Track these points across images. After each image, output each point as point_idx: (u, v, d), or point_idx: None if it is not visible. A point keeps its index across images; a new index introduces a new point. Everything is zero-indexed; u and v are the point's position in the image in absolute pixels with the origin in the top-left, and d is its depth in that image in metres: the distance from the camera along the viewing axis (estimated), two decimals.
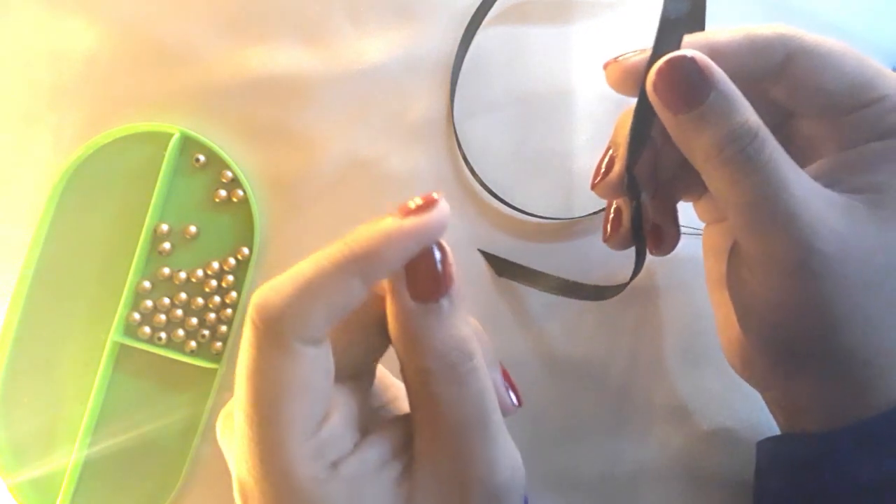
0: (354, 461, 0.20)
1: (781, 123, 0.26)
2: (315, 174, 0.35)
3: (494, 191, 0.35)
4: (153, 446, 0.33)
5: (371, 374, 0.23)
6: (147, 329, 0.33)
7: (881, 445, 0.24)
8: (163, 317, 0.33)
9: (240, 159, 0.34)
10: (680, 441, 0.34)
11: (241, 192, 0.34)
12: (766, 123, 0.24)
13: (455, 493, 0.20)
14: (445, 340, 0.20)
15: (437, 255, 0.20)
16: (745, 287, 0.25)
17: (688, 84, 0.22)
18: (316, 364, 0.19)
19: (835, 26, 0.38)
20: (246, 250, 0.34)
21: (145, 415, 0.33)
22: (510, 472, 0.20)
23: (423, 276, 0.20)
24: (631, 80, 0.25)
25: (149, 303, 0.33)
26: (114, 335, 0.33)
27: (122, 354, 0.33)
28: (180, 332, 0.33)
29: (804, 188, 0.22)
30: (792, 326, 0.24)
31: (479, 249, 0.31)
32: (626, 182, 0.25)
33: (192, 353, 0.33)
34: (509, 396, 0.23)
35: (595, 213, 0.35)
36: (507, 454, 0.21)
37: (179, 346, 0.34)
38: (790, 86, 0.24)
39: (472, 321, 0.22)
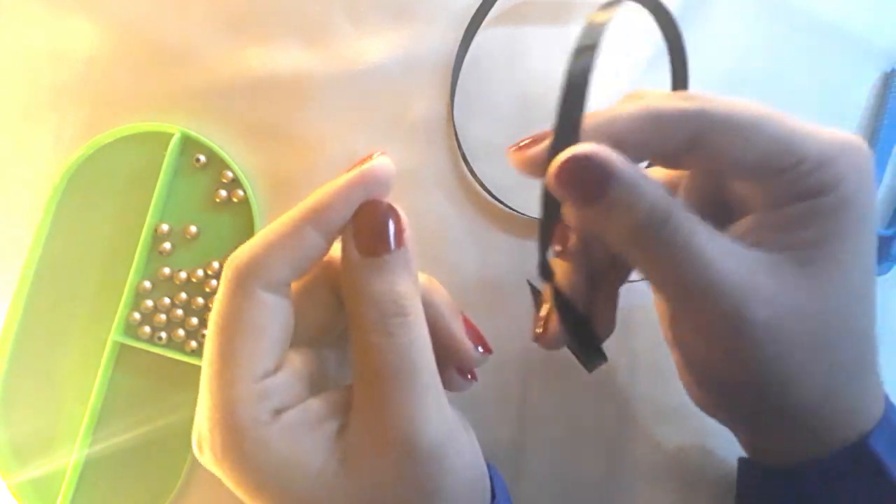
0: (297, 411, 0.21)
1: (708, 179, 0.26)
2: (315, 174, 0.35)
3: (493, 191, 0.35)
4: (153, 446, 0.33)
5: (334, 347, 0.25)
6: (147, 329, 0.33)
7: (838, 480, 0.25)
8: (163, 317, 0.33)
9: (240, 159, 0.34)
10: (679, 441, 0.34)
11: (241, 192, 0.34)
12: (696, 182, 0.25)
13: (383, 449, 0.21)
14: (382, 292, 0.21)
15: (388, 216, 0.22)
16: (686, 348, 0.26)
17: (587, 180, 0.21)
18: (274, 311, 0.21)
19: (835, 26, 0.38)
20: None
21: (145, 415, 0.33)
22: (442, 436, 0.21)
23: (367, 230, 0.21)
24: (533, 167, 0.24)
25: (149, 303, 0.33)
26: (114, 335, 0.33)
27: (123, 354, 0.33)
28: (180, 332, 0.33)
29: (727, 258, 0.22)
30: (734, 388, 0.25)
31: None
32: (540, 269, 0.24)
33: (193, 352, 0.33)
34: (476, 348, 0.24)
35: None
36: (441, 416, 0.21)
37: (180, 346, 0.34)
38: (702, 159, 0.23)
39: (424, 281, 0.23)
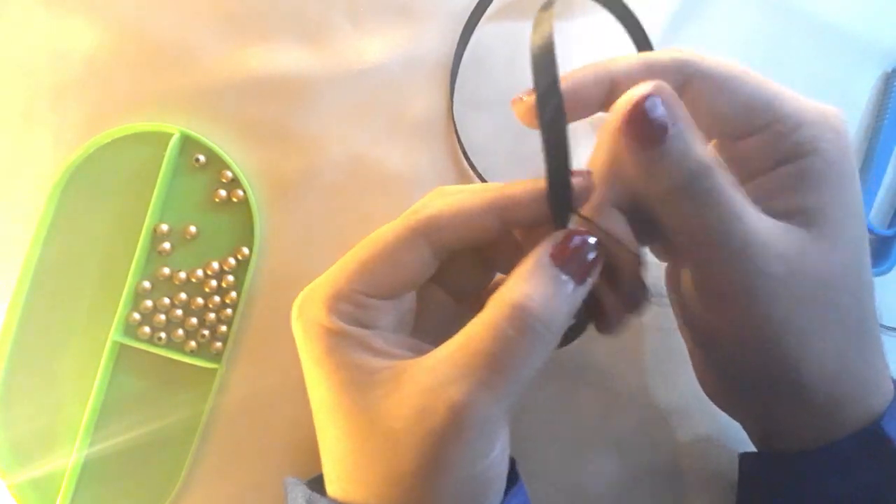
0: (378, 331, 0.24)
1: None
2: (315, 174, 0.35)
3: None
4: (153, 446, 0.33)
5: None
6: (147, 329, 0.33)
7: (852, 463, 0.25)
8: (163, 317, 0.33)
9: (240, 159, 0.34)
10: (680, 441, 0.34)
11: (241, 192, 0.34)
12: None
13: (433, 400, 0.21)
14: (543, 294, 0.22)
15: (592, 256, 0.23)
16: (703, 323, 0.26)
17: (652, 122, 0.22)
18: (424, 266, 0.24)
19: (835, 26, 0.38)
20: (246, 250, 0.34)
21: (145, 415, 0.33)
22: (487, 424, 0.22)
23: (571, 250, 0.23)
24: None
25: (149, 303, 0.33)
26: (114, 335, 0.33)
27: (122, 354, 0.33)
28: (180, 332, 0.33)
29: (753, 218, 0.23)
30: (751, 362, 0.25)
31: None
32: (550, 203, 0.24)
33: (192, 353, 0.33)
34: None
35: None
36: (497, 408, 0.22)
37: (179, 346, 0.34)
38: (688, 108, 0.24)
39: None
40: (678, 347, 0.35)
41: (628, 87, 0.23)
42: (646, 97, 0.22)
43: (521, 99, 0.25)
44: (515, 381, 0.22)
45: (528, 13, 0.36)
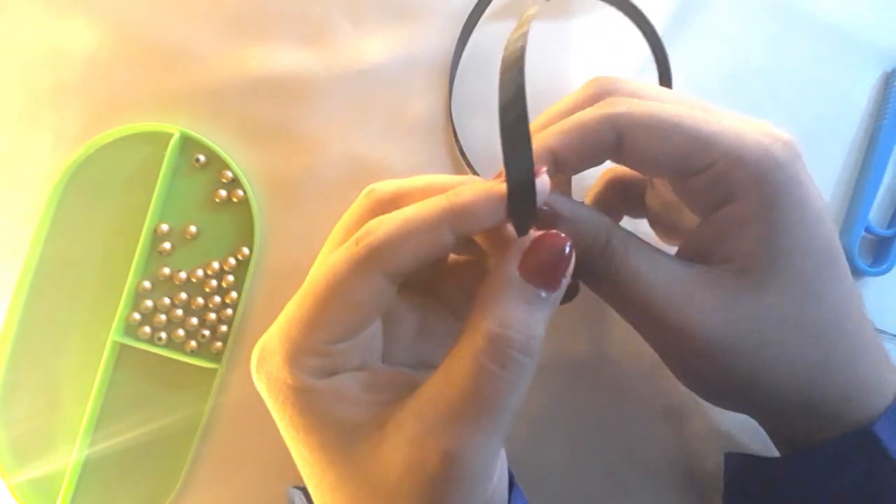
0: (350, 375, 0.22)
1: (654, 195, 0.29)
2: (315, 174, 0.35)
3: None
4: (153, 446, 0.33)
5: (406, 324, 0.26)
6: (147, 329, 0.33)
7: (840, 464, 0.25)
8: (163, 317, 0.33)
9: (240, 159, 0.34)
10: (679, 441, 0.34)
11: (241, 192, 0.34)
12: (655, 198, 0.27)
13: (422, 452, 0.20)
14: (519, 320, 0.21)
15: (568, 258, 0.22)
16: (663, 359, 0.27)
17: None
18: (380, 296, 0.22)
19: (835, 26, 0.38)
20: (246, 250, 0.34)
21: (145, 415, 0.33)
22: (479, 474, 0.21)
23: (543, 261, 0.21)
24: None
25: (149, 303, 0.33)
26: (114, 335, 0.33)
27: (122, 354, 0.33)
28: (180, 332, 0.33)
29: (666, 278, 0.24)
30: (710, 391, 0.26)
31: None
32: (510, 208, 0.23)
33: (193, 353, 0.33)
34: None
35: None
36: (491, 456, 0.21)
37: (179, 346, 0.34)
38: (629, 159, 0.25)
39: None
40: None
41: (570, 158, 0.24)
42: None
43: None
44: (505, 414, 0.21)
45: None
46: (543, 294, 0.21)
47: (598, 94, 0.26)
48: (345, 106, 0.35)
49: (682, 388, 0.32)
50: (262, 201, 0.34)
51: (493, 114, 0.35)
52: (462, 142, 0.35)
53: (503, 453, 0.23)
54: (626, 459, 0.34)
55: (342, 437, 0.21)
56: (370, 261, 0.21)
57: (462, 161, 0.35)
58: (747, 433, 0.34)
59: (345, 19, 0.35)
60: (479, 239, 0.24)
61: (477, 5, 0.35)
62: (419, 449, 0.20)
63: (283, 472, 0.34)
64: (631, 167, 0.26)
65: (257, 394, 0.34)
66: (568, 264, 0.22)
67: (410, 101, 0.35)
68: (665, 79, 0.35)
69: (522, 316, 0.21)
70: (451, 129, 0.35)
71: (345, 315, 0.22)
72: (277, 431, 0.34)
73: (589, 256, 0.24)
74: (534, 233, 0.22)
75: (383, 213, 0.22)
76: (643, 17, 0.34)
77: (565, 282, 0.22)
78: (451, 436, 0.20)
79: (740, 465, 0.30)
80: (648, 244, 0.24)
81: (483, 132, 0.35)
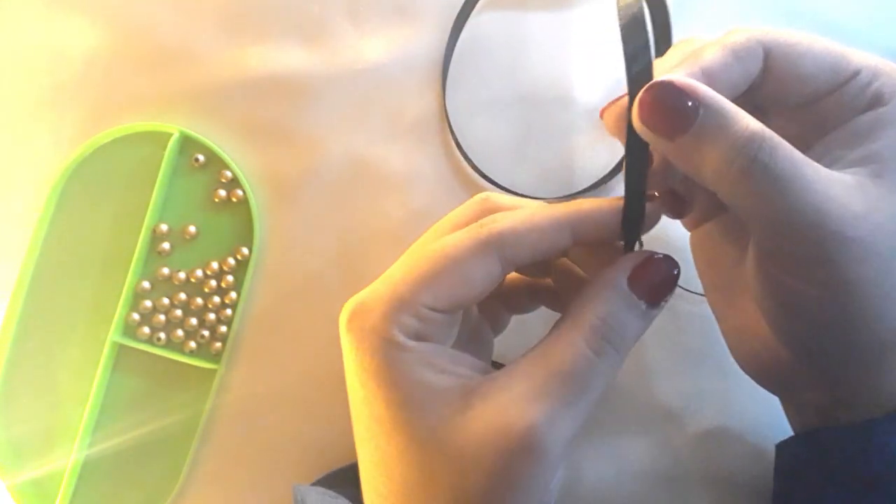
0: (438, 346, 0.23)
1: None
2: (315, 174, 0.34)
3: (503, 185, 0.34)
4: (153, 446, 0.33)
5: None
6: (146, 329, 0.33)
7: None
8: (162, 317, 0.33)
9: (239, 159, 0.34)
10: (680, 441, 0.34)
11: (240, 192, 0.34)
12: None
13: (509, 428, 0.21)
14: (618, 319, 0.22)
15: (673, 272, 0.23)
16: (782, 290, 0.24)
17: (673, 107, 0.22)
18: (491, 278, 0.23)
19: (835, 26, 0.38)
20: (245, 250, 0.34)
21: (145, 415, 0.33)
22: (560, 453, 0.21)
23: (651, 275, 0.23)
24: (621, 121, 0.25)
25: (148, 303, 0.33)
26: (113, 335, 0.33)
27: (122, 354, 0.33)
28: (180, 333, 0.33)
29: (822, 181, 0.22)
30: (837, 318, 0.24)
31: None
32: (624, 223, 0.24)
33: (192, 353, 0.33)
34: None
35: (592, 186, 0.35)
36: (571, 439, 0.22)
37: (179, 347, 0.34)
38: (775, 82, 0.25)
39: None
40: (678, 347, 0.35)
41: (721, 79, 0.23)
42: (655, 84, 0.22)
43: (610, 107, 0.25)
44: (590, 399, 0.22)
45: (530, 4, 0.36)
46: (644, 307, 0.23)
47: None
48: (345, 106, 0.35)
49: (686, 389, 0.32)
50: (262, 201, 0.34)
51: (494, 111, 0.35)
52: (464, 139, 0.35)
53: (562, 470, 0.23)
54: (627, 460, 0.34)
55: (425, 398, 0.22)
56: (492, 243, 0.22)
57: (462, 160, 0.35)
58: (751, 432, 0.34)
59: (344, 19, 0.35)
60: (581, 256, 0.26)
61: (467, 2, 0.35)
62: (504, 416, 0.21)
63: (282, 472, 0.34)
64: (773, 92, 0.25)
65: (257, 394, 0.34)
66: (674, 285, 0.23)
67: (410, 100, 0.35)
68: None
69: (622, 316, 0.22)
70: (450, 127, 0.35)
71: (456, 286, 0.22)
72: (277, 431, 0.34)
73: (740, 152, 0.22)
74: (646, 251, 0.23)
75: None
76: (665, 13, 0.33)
77: (664, 304, 0.23)
78: (541, 407, 0.21)
79: (806, 445, 0.28)
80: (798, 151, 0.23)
81: (485, 129, 0.35)
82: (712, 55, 0.24)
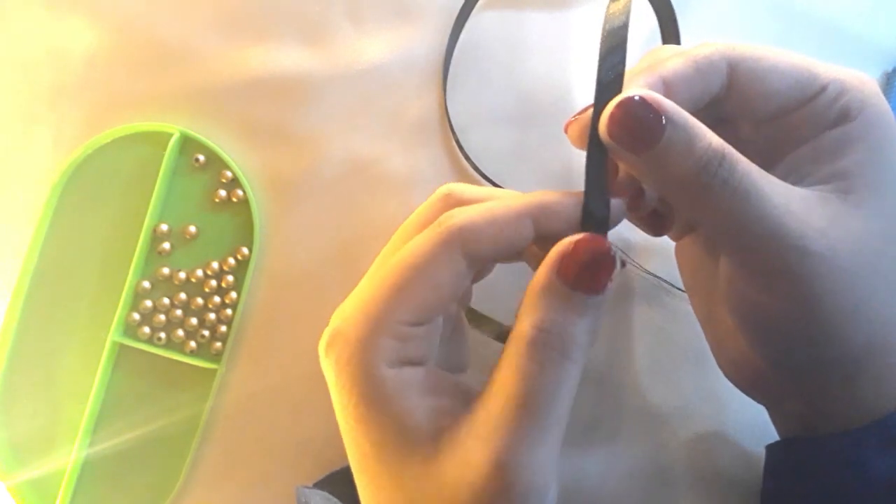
0: (417, 371, 0.22)
1: (733, 139, 0.27)
2: (315, 174, 0.34)
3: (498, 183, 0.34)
4: (153, 446, 0.33)
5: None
6: (147, 329, 0.33)
7: None
8: (162, 317, 0.33)
9: (240, 159, 0.34)
10: (677, 442, 0.34)
11: (240, 192, 0.34)
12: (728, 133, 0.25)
13: (478, 462, 0.20)
14: (554, 322, 0.21)
15: (611, 262, 0.21)
16: (748, 302, 0.25)
17: (641, 123, 0.22)
18: (459, 278, 0.22)
19: (835, 26, 0.38)
20: (246, 250, 0.34)
21: (145, 415, 0.33)
22: (538, 484, 0.20)
23: (582, 264, 0.21)
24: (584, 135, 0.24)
25: (148, 303, 0.33)
26: (113, 335, 0.33)
27: (122, 354, 0.33)
28: (180, 332, 0.33)
29: (781, 195, 0.22)
30: (804, 333, 0.24)
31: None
32: (583, 217, 0.24)
33: (192, 353, 0.33)
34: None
35: None
36: (547, 463, 0.21)
37: (179, 346, 0.34)
38: (739, 97, 0.24)
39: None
40: (677, 347, 0.35)
41: (681, 90, 0.23)
42: (627, 100, 0.22)
43: (573, 120, 0.25)
44: (549, 418, 0.21)
45: (530, 3, 0.36)
46: (584, 297, 0.21)
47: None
48: (345, 106, 0.35)
49: (686, 389, 0.32)
50: (262, 201, 0.34)
51: (495, 111, 0.35)
52: (465, 140, 0.35)
53: (556, 489, 0.22)
54: (627, 460, 0.34)
55: (398, 437, 0.21)
56: (454, 240, 0.22)
57: (463, 160, 0.35)
58: (750, 432, 0.34)
59: (344, 19, 0.35)
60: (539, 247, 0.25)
61: (467, 1, 0.35)
62: (472, 461, 0.20)
63: (282, 472, 0.34)
64: (737, 107, 0.25)
65: (257, 394, 0.34)
66: (610, 264, 0.21)
67: (411, 100, 0.35)
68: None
69: (558, 318, 0.21)
70: (449, 127, 0.35)
71: (427, 294, 0.22)
72: (277, 431, 0.34)
73: (703, 168, 0.22)
74: (574, 237, 0.22)
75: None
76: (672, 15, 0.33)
77: (611, 286, 0.21)
78: (499, 443, 0.20)
79: (789, 451, 0.28)
80: (761, 169, 0.24)
81: (484, 129, 0.35)
82: (674, 66, 0.24)
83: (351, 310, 0.22)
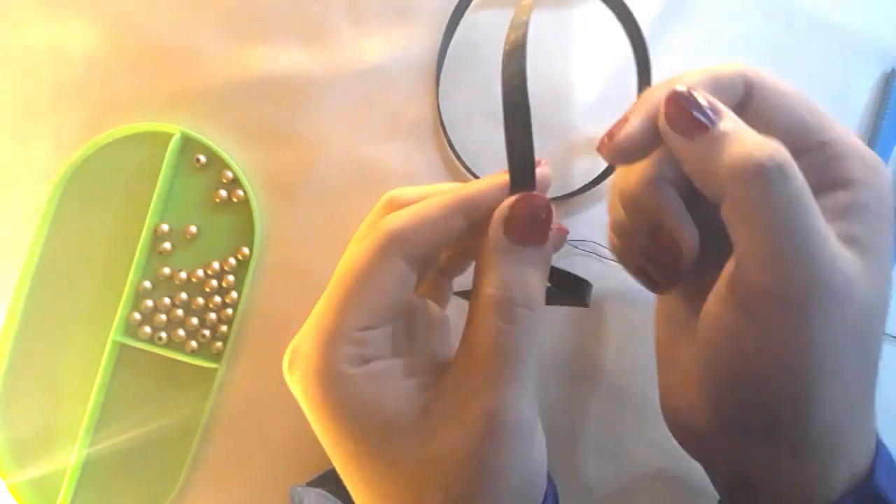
0: (385, 362, 0.23)
1: None
2: (315, 174, 0.35)
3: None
4: (153, 446, 0.33)
5: (426, 315, 0.26)
6: (147, 329, 0.33)
7: None
8: (163, 317, 0.33)
9: (240, 159, 0.34)
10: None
11: (241, 192, 0.34)
12: None
13: (468, 418, 0.21)
14: (514, 278, 0.22)
15: (545, 211, 0.22)
16: (731, 335, 0.23)
17: (699, 110, 0.23)
18: (401, 279, 0.23)
19: (834, 26, 0.38)
20: (246, 250, 0.34)
21: (145, 415, 0.33)
22: (526, 421, 0.21)
23: (522, 218, 0.22)
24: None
25: (149, 303, 0.33)
26: (114, 335, 0.33)
27: (123, 354, 0.33)
28: (181, 332, 0.33)
29: (825, 225, 0.22)
30: (763, 387, 0.23)
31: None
32: (511, 182, 0.24)
33: (193, 352, 0.33)
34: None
35: (589, 183, 0.35)
36: (530, 406, 0.22)
37: (180, 346, 0.34)
38: (748, 121, 0.24)
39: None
40: None
41: None
42: (682, 93, 0.23)
43: (605, 141, 0.25)
44: (527, 365, 0.22)
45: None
46: (531, 251, 0.22)
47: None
48: (345, 106, 0.35)
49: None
50: (262, 201, 0.34)
51: (492, 110, 0.35)
52: (458, 138, 0.35)
53: (541, 432, 0.23)
54: (628, 461, 0.34)
55: (384, 426, 0.22)
56: (389, 246, 0.23)
57: (455, 160, 0.35)
58: None
59: (345, 19, 0.35)
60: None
61: (460, 2, 0.35)
62: (459, 420, 0.21)
63: (282, 472, 0.34)
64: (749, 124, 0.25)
65: (257, 394, 0.34)
66: (549, 217, 0.23)
67: (410, 100, 0.35)
68: (644, 75, 0.35)
69: (516, 275, 0.22)
70: (448, 127, 0.35)
71: (373, 299, 0.23)
72: (278, 431, 0.34)
73: (761, 152, 0.21)
74: (510, 199, 0.23)
75: None
76: (631, 17, 0.34)
77: (552, 235, 0.23)
78: (488, 395, 0.21)
79: None
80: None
81: (478, 128, 0.35)
82: (693, 78, 0.24)
83: (306, 328, 0.23)
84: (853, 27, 0.38)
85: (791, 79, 0.37)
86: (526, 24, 0.23)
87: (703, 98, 0.23)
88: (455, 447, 0.21)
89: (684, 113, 0.23)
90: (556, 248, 0.25)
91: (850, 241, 0.23)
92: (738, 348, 0.23)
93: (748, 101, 0.24)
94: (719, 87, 0.24)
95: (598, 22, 0.36)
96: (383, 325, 0.23)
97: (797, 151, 0.23)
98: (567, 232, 0.27)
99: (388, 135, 0.35)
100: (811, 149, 0.24)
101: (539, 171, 0.23)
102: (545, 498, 0.24)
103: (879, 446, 0.25)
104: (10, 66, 0.34)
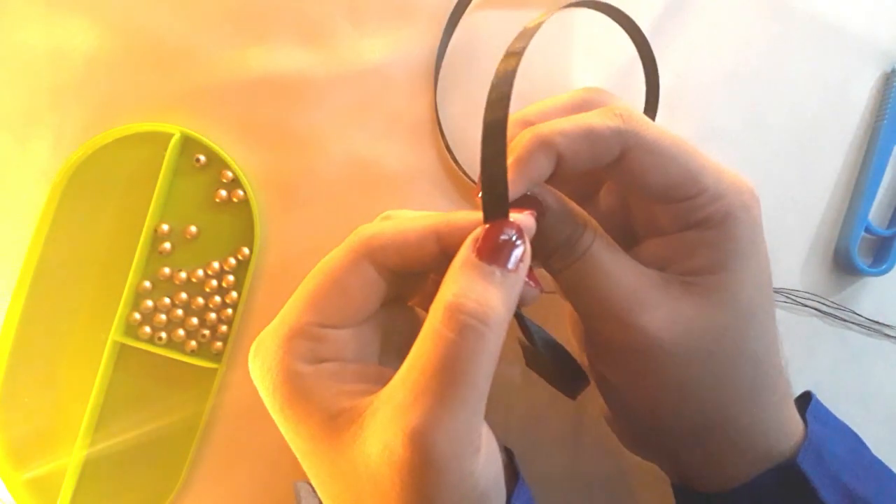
0: (336, 364, 0.23)
1: (617, 201, 0.30)
2: (315, 174, 0.35)
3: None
4: (153, 446, 0.33)
5: (386, 325, 0.26)
6: (147, 329, 0.33)
7: (773, 501, 0.27)
8: (163, 317, 0.33)
9: (240, 159, 0.34)
10: None
11: (241, 193, 0.34)
12: (612, 195, 0.29)
13: (392, 434, 0.20)
14: (471, 291, 0.21)
15: (520, 241, 0.23)
16: (598, 373, 0.28)
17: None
18: (368, 285, 0.23)
19: (834, 26, 0.38)
20: (246, 250, 0.34)
21: (145, 415, 0.33)
22: (452, 454, 0.20)
23: (494, 242, 0.22)
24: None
25: (149, 303, 0.33)
26: (114, 335, 0.33)
27: (123, 354, 0.33)
28: (181, 332, 0.33)
29: (623, 271, 0.25)
30: (641, 405, 0.27)
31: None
32: (484, 210, 0.24)
33: (193, 352, 0.33)
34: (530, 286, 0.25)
35: None
36: (465, 433, 0.20)
37: (180, 346, 0.34)
38: (622, 177, 0.26)
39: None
40: None
41: (568, 150, 0.24)
42: (492, 227, 0.23)
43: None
44: (468, 386, 0.20)
45: (520, 3, 0.36)
46: (498, 273, 0.22)
47: (589, 103, 0.27)
48: (345, 106, 0.35)
49: None
50: (262, 201, 0.34)
51: (483, 110, 0.35)
52: (457, 139, 0.35)
53: (490, 439, 0.22)
54: (629, 461, 0.34)
55: (327, 427, 0.22)
56: (360, 250, 0.23)
57: (451, 161, 0.35)
58: None
59: (344, 19, 0.35)
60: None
61: (459, 3, 0.35)
62: (387, 433, 0.20)
63: (283, 472, 0.34)
64: (619, 183, 0.27)
65: (257, 394, 0.34)
66: (522, 241, 0.22)
67: (410, 100, 0.35)
68: (652, 88, 0.35)
69: (476, 285, 0.21)
70: (444, 128, 0.35)
71: (335, 298, 0.23)
72: (277, 431, 0.34)
73: (562, 244, 0.25)
74: (486, 225, 0.23)
75: None
76: (634, 24, 0.33)
77: (522, 266, 0.22)
78: (413, 414, 0.20)
79: (688, 499, 0.31)
80: (616, 245, 0.26)
81: (477, 129, 0.35)
82: (566, 136, 0.24)
83: (274, 321, 0.24)
84: (853, 27, 0.38)
85: (790, 78, 0.37)
86: (512, 78, 0.24)
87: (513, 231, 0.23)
88: (382, 463, 0.20)
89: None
90: (530, 298, 0.25)
91: (693, 275, 0.26)
92: (617, 389, 0.28)
93: (623, 159, 0.25)
94: (592, 141, 0.24)
95: (596, 21, 0.36)
96: (344, 327, 0.23)
97: (674, 200, 0.26)
98: (541, 288, 0.26)
99: (388, 134, 0.35)
100: (686, 198, 0.25)
101: (522, 217, 0.23)
102: None
103: (815, 433, 0.28)
104: (9, 65, 0.34)
